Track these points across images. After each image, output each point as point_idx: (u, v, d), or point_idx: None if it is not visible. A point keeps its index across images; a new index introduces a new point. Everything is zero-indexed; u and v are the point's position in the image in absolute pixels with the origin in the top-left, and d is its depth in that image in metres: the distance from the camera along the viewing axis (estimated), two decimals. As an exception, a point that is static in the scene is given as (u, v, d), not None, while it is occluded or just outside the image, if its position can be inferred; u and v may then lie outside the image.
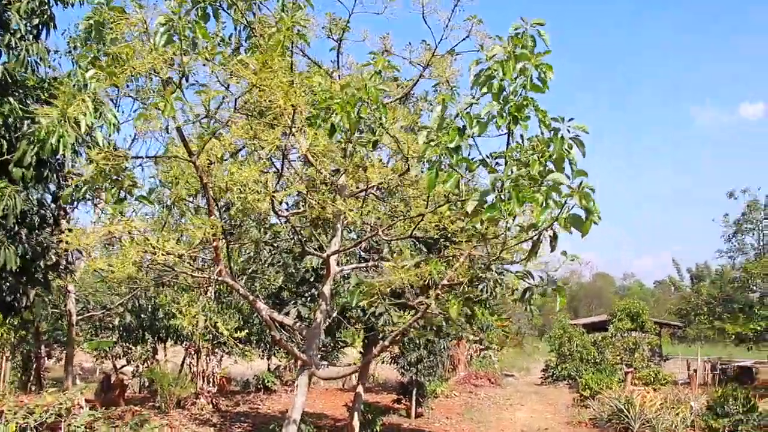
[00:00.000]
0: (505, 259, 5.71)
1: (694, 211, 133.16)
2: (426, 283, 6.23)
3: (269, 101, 5.61)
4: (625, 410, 18.59)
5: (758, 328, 32.24)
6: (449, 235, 6.70)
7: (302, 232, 9.20)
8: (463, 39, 8.13)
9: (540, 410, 22.91)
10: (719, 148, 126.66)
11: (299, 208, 8.29)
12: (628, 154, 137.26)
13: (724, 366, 33.28)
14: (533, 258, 4.78)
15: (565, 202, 4.32)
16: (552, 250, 4.61)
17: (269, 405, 20.58)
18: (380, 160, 7.32)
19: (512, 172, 4.43)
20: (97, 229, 6.32)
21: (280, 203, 7.65)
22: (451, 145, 4.60)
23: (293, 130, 5.98)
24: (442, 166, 4.69)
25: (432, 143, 4.60)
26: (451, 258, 6.07)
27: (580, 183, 4.29)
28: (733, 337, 33.84)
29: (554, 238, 4.55)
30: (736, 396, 18.44)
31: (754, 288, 33.92)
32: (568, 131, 4.60)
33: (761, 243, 34.91)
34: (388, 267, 5.88)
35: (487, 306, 12.83)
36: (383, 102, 5.61)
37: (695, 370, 29.57)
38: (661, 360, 36.91)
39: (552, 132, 4.60)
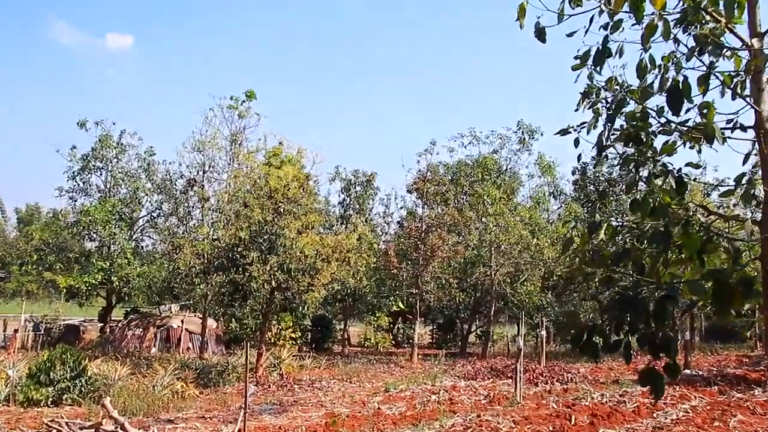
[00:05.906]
0: None
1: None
2: None
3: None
4: None
5: (93, 281, 28.29)
6: None
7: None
8: None
9: None
10: (76, 70, 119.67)
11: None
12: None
13: (49, 326, 28.04)
14: None
15: None
16: None
17: None
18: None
19: None
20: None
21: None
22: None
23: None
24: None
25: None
26: None
27: None
28: (65, 291, 28.86)
29: None
30: (65, 360, 15.91)
31: (94, 236, 29.88)
32: None
33: (108, 185, 31.03)
34: None
35: None
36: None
37: (15, 331, 23.48)
38: (-31, 320, 29.03)
39: None
